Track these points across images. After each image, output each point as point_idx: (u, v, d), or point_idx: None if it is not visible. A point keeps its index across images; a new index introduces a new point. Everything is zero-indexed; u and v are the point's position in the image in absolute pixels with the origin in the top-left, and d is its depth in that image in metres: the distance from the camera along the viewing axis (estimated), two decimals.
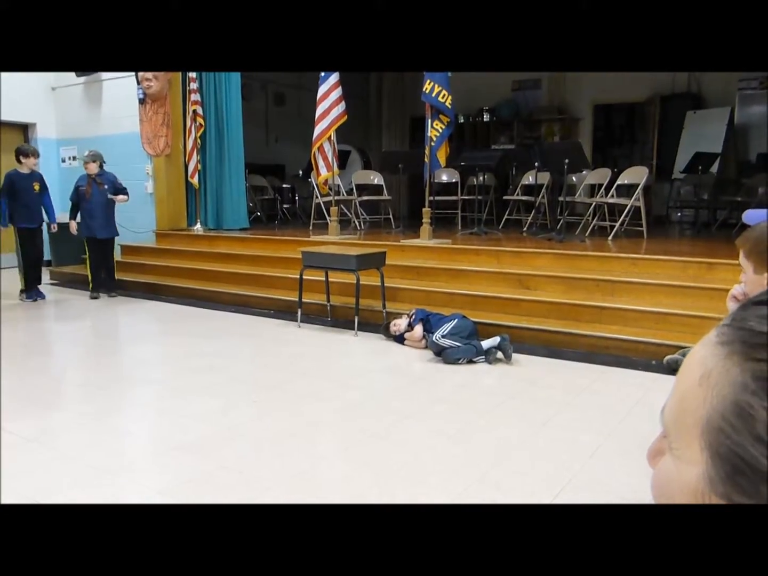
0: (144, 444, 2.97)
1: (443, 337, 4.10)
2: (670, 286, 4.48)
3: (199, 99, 7.61)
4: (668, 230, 8.16)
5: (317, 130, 6.40)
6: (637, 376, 3.76)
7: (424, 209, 6.03)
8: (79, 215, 6.49)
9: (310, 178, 7.84)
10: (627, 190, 7.00)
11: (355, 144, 9.97)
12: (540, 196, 7.47)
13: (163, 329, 5.38)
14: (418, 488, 2.41)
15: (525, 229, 7.53)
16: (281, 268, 6.13)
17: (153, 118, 7.75)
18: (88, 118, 8.46)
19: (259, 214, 9.00)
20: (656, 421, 0.43)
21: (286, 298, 5.55)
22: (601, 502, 2.20)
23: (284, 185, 9.84)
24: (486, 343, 4.07)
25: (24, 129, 8.78)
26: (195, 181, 7.74)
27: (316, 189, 7.42)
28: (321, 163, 6.59)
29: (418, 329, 4.37)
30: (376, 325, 4.81)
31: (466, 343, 4.07)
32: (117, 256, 6.91)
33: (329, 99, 6.29)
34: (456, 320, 4.21)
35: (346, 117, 6.39)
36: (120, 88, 7.99)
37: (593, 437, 2.86)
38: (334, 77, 6.28)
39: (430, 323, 4.32)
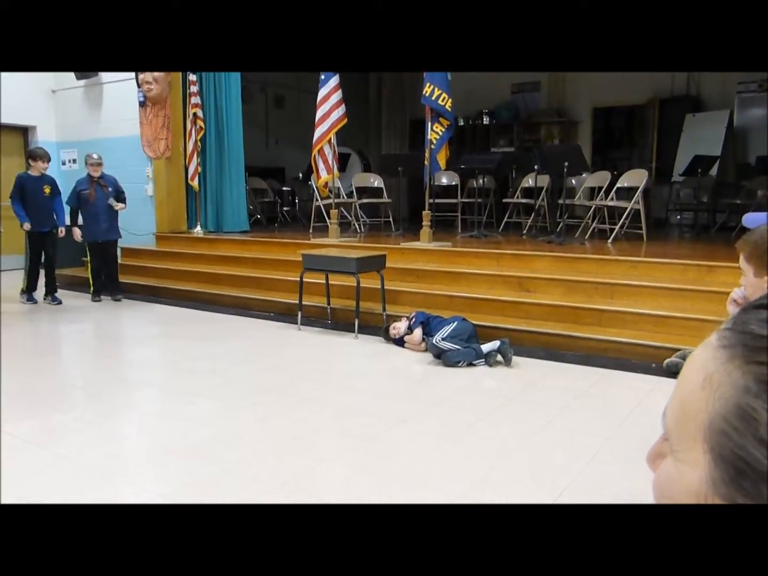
0: (144, 447, 2.97)
1: (443, 339, 4.09)
2: (670, 289, 4.48)
3: (199, 102, 7.62)
4: (668, 233, 8.17)
5: (317, 133, 6.41)
6: (636, 379, 3.76)
7: (424, 212, 6.03)
8: (80, 219, 6.47)
9: (310, 180, 7.85)
10: (626, 193, 7.00)
11: (355, 147, 9.98)
12: (540, 199, 7.47)
13: (163, 332, 5.38)
14: (418, 490, 2.40)
15: (525, 231, 7.54)
16: (281, 270, 6.13)
17: (153, 121, 7.76)
18: (88, 121, 8.47)
19: (259, 216, 9.00)
20: (656, 424, 0.42)
21: (286, 301, 5.55)
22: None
23: (284, 188, 9.84)
24: (486, 347, 4.07)
25: (24, 132, 8.79)
26: (195, 183, 7.74)
27: (316, 192, 7.42)
28: (321, 165, 6.60)
29: (418, 332, 4.37)
30: (376, 327, 4.80)
31: (465, 346, 4.07)
32: (118, 258, 6.90)
33: (329, 102, 6.30)
34: (456, 323, 4.21)
35: (346, 120, 6.40)
36: (120, 91, 8.00)
37: (593, 440, 2.86)
38: (334, 80, 6.29)
39: (430, 326, 4.32)
